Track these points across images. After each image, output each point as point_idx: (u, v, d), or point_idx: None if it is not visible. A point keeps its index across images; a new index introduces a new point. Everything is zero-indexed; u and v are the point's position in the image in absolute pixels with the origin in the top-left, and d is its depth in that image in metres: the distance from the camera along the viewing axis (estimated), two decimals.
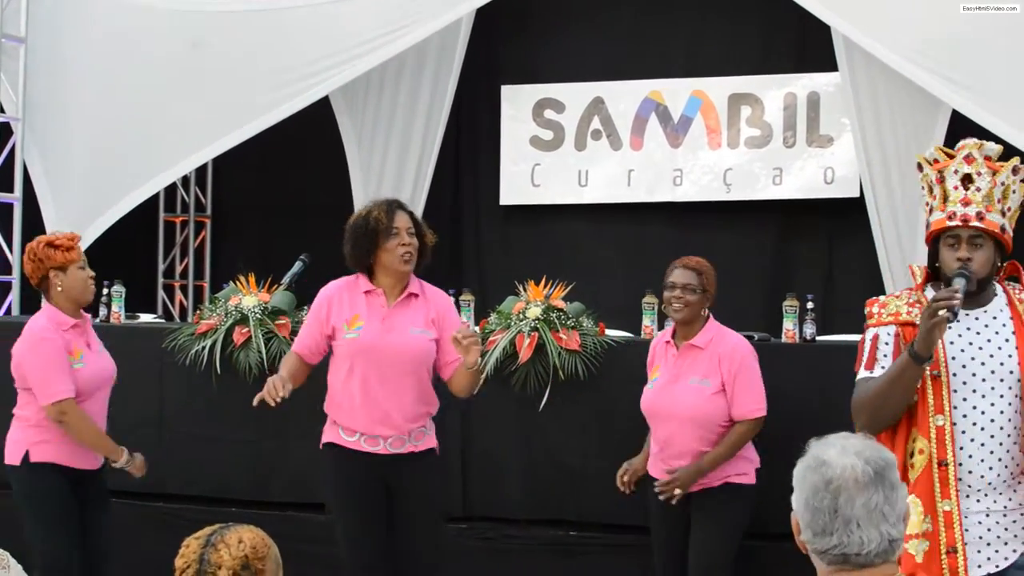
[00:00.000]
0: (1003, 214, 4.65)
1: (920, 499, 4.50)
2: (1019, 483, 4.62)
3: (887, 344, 4.71)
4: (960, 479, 4.55)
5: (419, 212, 9.48)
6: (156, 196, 10.84)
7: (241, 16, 9.31)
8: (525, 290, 7.72)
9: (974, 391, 4.59)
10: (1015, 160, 4.67)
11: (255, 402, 5.93)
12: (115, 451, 6.55)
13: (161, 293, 11.67)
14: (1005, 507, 4.59)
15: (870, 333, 4.76)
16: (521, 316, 7.50)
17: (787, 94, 10.11)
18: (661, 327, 7.60)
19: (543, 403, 7.36)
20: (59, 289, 6.39)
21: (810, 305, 7.51)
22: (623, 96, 10.45)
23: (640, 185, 10.37)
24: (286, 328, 7.76)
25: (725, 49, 10.36)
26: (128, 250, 10.50)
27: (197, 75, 9.24)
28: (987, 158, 4.69)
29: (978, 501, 4.58)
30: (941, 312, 4.35)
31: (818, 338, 7.64)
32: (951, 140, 8.39)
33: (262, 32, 9.25)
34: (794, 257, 10.30)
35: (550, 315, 7.46)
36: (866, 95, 8.93)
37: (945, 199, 4.68)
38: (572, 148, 10.51)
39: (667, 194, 10.28)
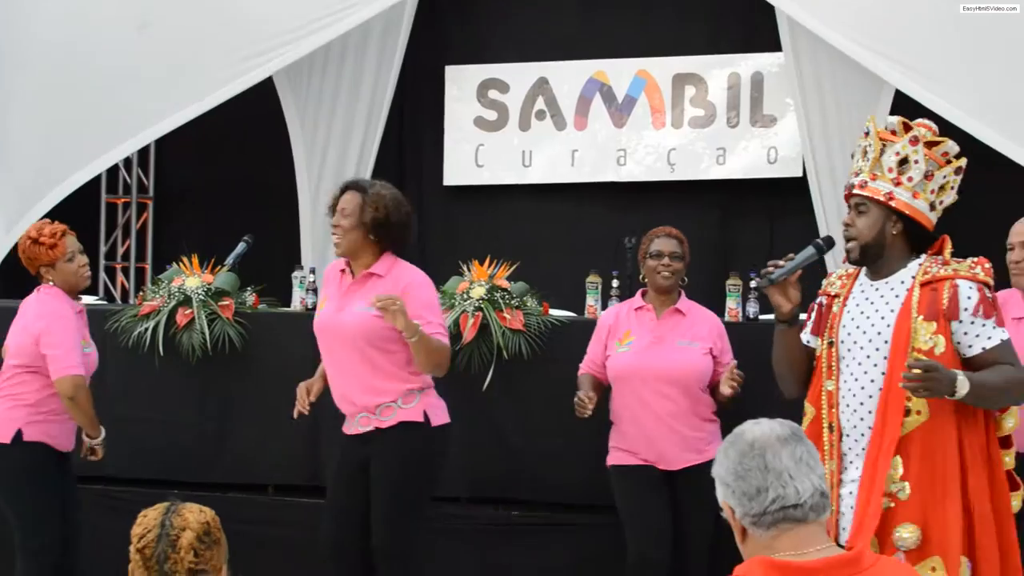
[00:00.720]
0: (897, 183, 4.76)
1: None
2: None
3: (814, 312, 4.98)
4: (849, 441, 4.71)
5: None
6: (98, 177, 10.74)
7: None
8: (469, 270, 7.73)
9: (854, 359, 4.75)
10: (916, 130, 4.76)
11: (295, 415, 6.17)
12: (98, 428, 6.70)
13: (103, 275, 11.58)
14: (855, 479, 4.71)
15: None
16: (465, 296, 7.50)
17: (731, 74, 10.14)
18: (605, 306, 7.63)
19: (487, 383, 7.37)
20: (52, 283, 6.56)
21: (753, 284, 7.55)
22: (567, 76, 10.45)
23: (584, 165, 10.38)
24: (229, 309, 7.72)
25: (669, 29, 10.37)
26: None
27: (140, 56, 9.15)
28: (882, 131, 4.84)
29: (844, 470, 4.72)
30: (759, 281, 4.77)
31: (761, 316, 7.68)
32: None
33: (206, 13, 9.17)
34: (737, 236, 10.33)
35: (494, 295, 7.46)
36: (809, 75, 8.97)
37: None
38: (516, 128, 10.50)
39: (611, 174, 10.29)
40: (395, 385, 6.06)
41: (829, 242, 5.06)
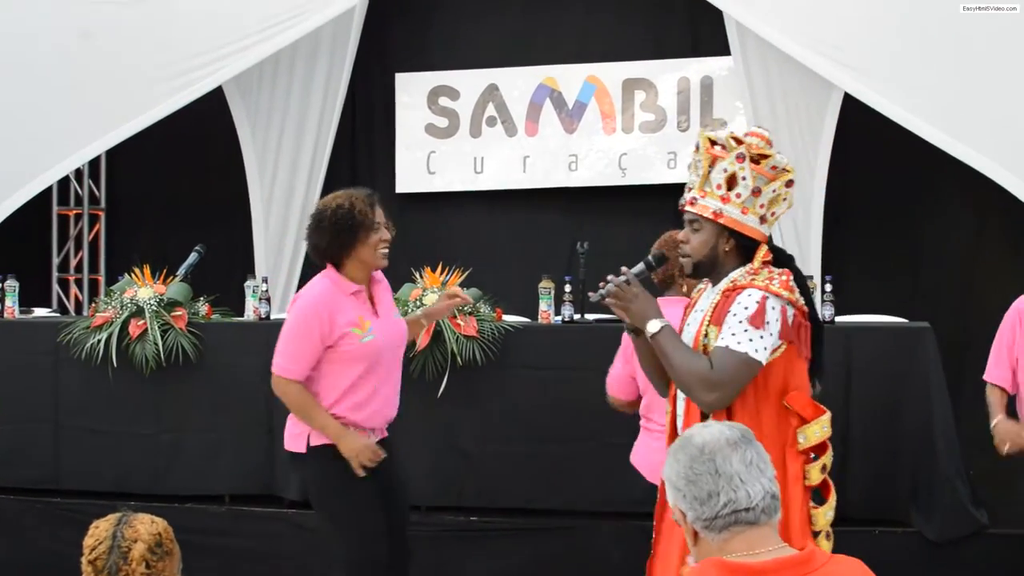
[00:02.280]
0: (725, 200, 4.73)
1: None
2: None
3: None
4: None
5: (315, 201, 9.45)
6: (49, 189, 10.70)
7: (132, 5, 9.20)
8: (422, 277, 7.74)
9: None
10: (741, 147, 4.72)
11: (362, 473, 5.76)
12: None
13: (56, 287, 11.53)
14: None
15: None
16: (418, 303, 7.51)
17: (681, 79, 10.16)
18: (558, 311, 7.65)
19: (441, 390, 7.39)
20: None
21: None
22: (517, 82, 10.45)
23: (536, 171, 10.38)
24: (182, 320, 7.71)
25: (619, 34, 10.38)
26: (22, 244, 10.38)
27: (88, 66, 9.12)
28: (713, 144, 4.79)
29: None
30: (592, 296, 4.85)
31: None
32: (843, 123, 8.54)
33: (153, 22, 9.15)
34: None
35: None
36: (759, 79, 9.01)
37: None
38: (467, 135, 10.49)
39: (563, 179, 10.28)
40: None
41: (660, 259, 5.13)
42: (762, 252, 4.76)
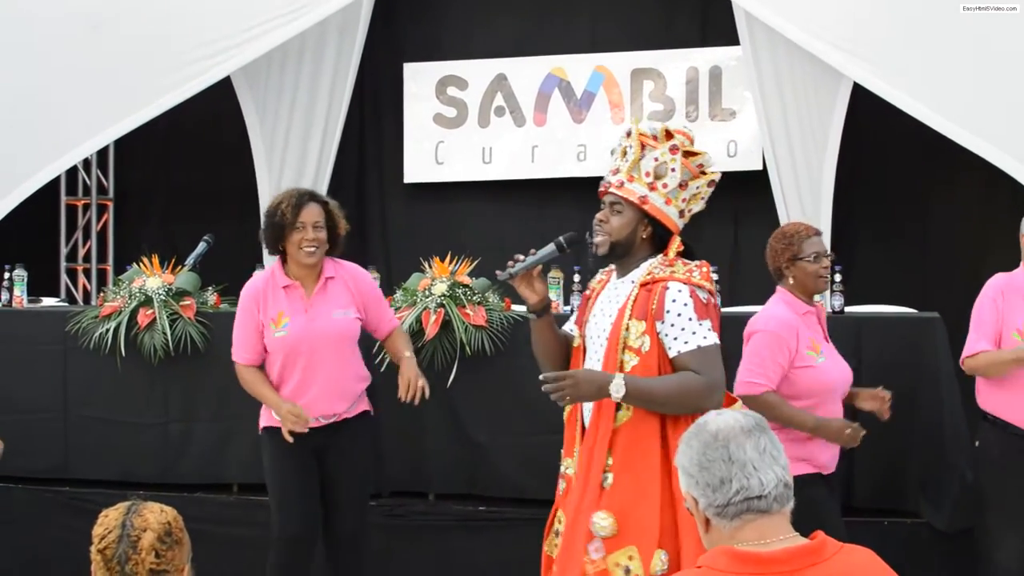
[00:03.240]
0: (652, 188, 4.87)
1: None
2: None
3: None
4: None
5: (323, 191, 9.48)
6: (57, 179, 10.72)
7: None
8: (430, 267, 7.74)
9: (594, 354, 4.87)
10: (674, 140, 4.86)
11: (290, 438, 6.14)
12: None
13: (64, 277, 11.53)
14: None
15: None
16: (427, 293, 7.53)
17: (689, 68, 10.15)
18: (567, 301, 7.65)
19: (451, 379, 7.39)
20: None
21: (715, 277, 7.55)
22: (526, 72, 10.45)
23: (544, 161, 10.38)
24: (191, 309, 7.72)
25: (627, 24, 10.38)
26: (30, 234, 10.39)
27: (97, 56, 9.11)
28: (644, 135, 4.90)
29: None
30: (499, 274, 4.95)
31: (723, 310, 7.69)
32: (852, 112, 8.52)
33: (162, 12, 9.14)
34: (699, 230, 10.31)
35: (456, 291, 7.49)
36: (768, 68, 8.97)
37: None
38: (476, 125, 10.50)
39: (571, 169, 10.27)
40: (361, 384, 6.47)
41: (572, 240, 5.08)
42: (676, 243, 4.94)
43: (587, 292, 5.12)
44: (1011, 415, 6.21)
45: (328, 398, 6.28)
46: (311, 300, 6.29)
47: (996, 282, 6.37)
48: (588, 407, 4.84)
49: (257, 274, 6.55)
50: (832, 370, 6.01)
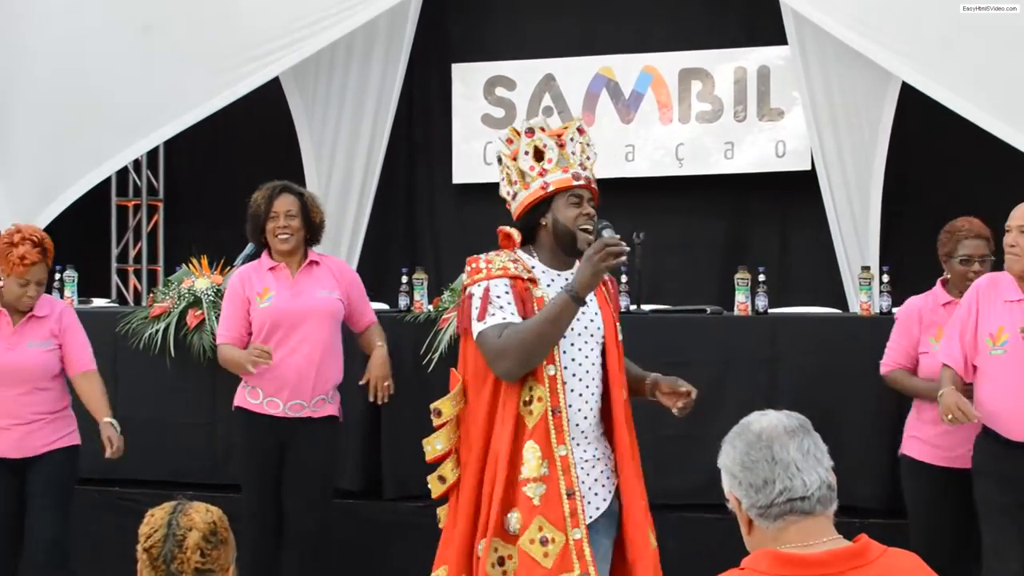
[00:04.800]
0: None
1: (538, 444, 4.69)
2: (602, 433, 4.91)
3: (506, 294, 4.78)
4: (572, 425, 4.78)
5: (371, 193, 9.59)
6: (108, 180, 10.78)
7: None
8: None
9: (572, 344, 4.81)
10: (577, 120, 4.97)
11: (254, 370, 6.36)
12: None
13: (115, 278, 11.60)
14: (594, 455, 4.85)
15: (479, 287, 4.82)
16: None
17: (737, 68, 10.15)
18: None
19: None
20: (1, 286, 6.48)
21: (761, 277, 7.56)
22: (574, 73, 10.47)
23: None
24: None
25: (675, 24, 10.39)
26: (81, 235, 10.44)
27: (148, 58, 9.16)
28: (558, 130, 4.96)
29: (580, 446, 4.80)
30: (620, 259, 4.68)
31: (771, 310, 7.69)
32: (901, 112, 8.47)
33: (211, 14, 9.19)
34: (748, 230, 10.34)
35: None
36: (816, 68, 8.95)
37: (559, 162, 4.89)
38: None
39: (619, 170, 10.24)
40: (333, 377, 6.68)
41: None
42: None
43: (516, 283, 4.85)
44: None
45: (305, 377, 6.52)
46: (296, 278, 6.67)
47: (977, 284, 6.20)
48: (575, 396, 4.80)
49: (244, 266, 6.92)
50: None
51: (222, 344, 6.68)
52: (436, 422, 4.89)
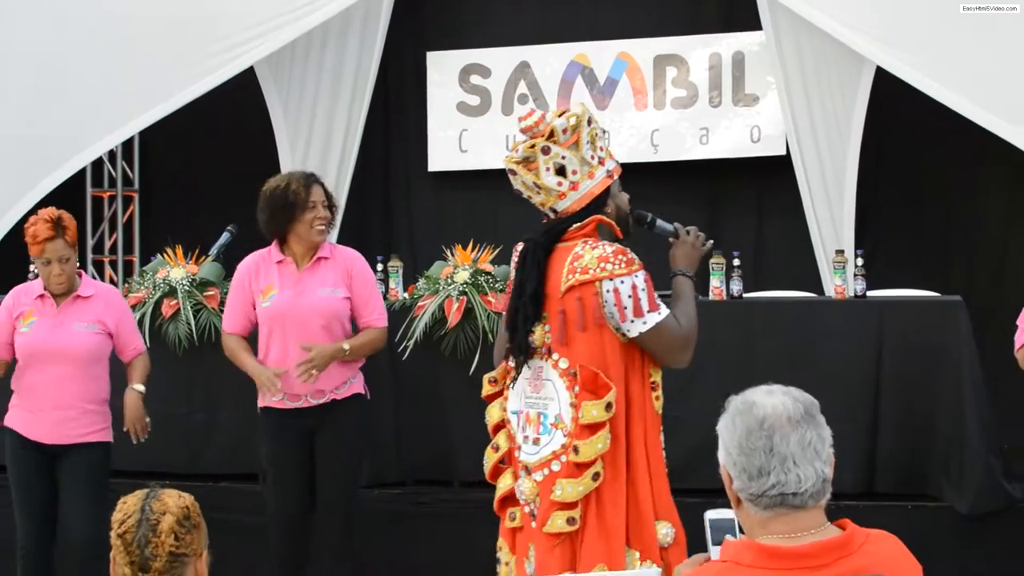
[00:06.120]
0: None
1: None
2: None
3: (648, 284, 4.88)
4: None
5: (347, 181, 9.58)
6: (83, 171, 10.76)
7: None
8: (453, 255, 7.75)
9: None
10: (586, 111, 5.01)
11: (265, 403, 6.49)
12: None
13: (91, 268, 11.56)
14: None
15: (639, 278, 4.85)
16: (449, 280, 7.54)
17: (712, 54, 10.15)
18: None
19: (473, 367, 7.40)
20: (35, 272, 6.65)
21: (736, 262, 7.58)
22: (549, 59, 10.46)
23: None
24: (215, 299, 7.77)
25: (650, 10, 10.39)
26: None
27: (122, 48, 9.14)
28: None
29: None
30: (709, 243, 5.14)
31: (746, 295, 7.71)
32: (875, 97, 8.50)
33: (187, 3, 9.17)
34: (723, 216, 10.34)
35: (478, 279, 7.51)
36: (791, 53, 8.96)
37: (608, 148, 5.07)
38: (499, 113, 10.51)
39: None
40: (348, 365, 6.54)
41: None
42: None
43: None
44: None
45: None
46: (301, 275, 6.46)
47: None
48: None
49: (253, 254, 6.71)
50: None
51: (228, 335, 6.64)
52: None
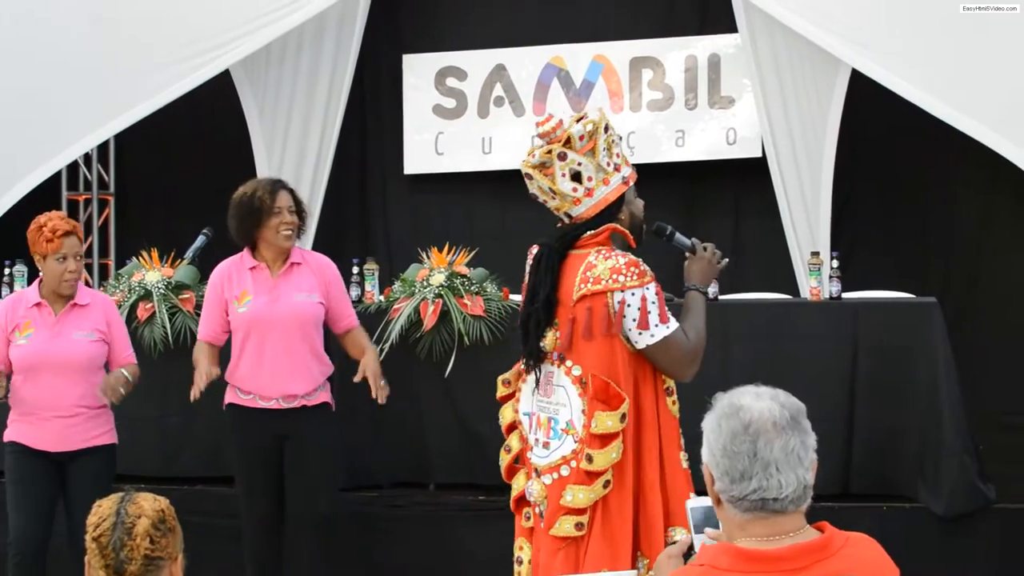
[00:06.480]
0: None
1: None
2: None
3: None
4: None
5: (323, 184, 9.56)
6: (58, 174, 10.74)
7: None
8: (428, 257, 7.75)
9: None
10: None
11: (193, 398, 6.43)
12: None
13: None
14: None
15: (650, 290, 4.86)
16: (425, 283, 7.54)
17: (688, 56, 10.15)
18: None
19: (449, 369, 7.41)
20: (42, 274, 6.60)
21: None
22: (525, 62, 10.45)
23: None
24: (190, 303, 7.76)
25: (625, 13, 10.39)
26: None
27: (97, 51, 9.12)
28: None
29: None
30: (725, 260, 5.28)
31: (722, 297, 7.73)
32: (851, 99, 8.52)
33: (161, 5, 9.15)
34: (700, 218, 10.35)
35: (454, 281, 7.52)
36: (766, 56, 8.97)
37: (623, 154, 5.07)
38: (475, 116, 10.50)
39: None
40: (321, 370, 6.66)
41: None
42: None
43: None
44: None
45: (287, 377, 6.52)
46: (276, 281, 6.57)
47: None
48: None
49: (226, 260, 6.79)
50: None
51: (199, 341, 6.73)
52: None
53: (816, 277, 7.78)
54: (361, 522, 7.44)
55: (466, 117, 10.53)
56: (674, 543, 4.07)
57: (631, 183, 5.03)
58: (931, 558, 6.87)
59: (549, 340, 4.94)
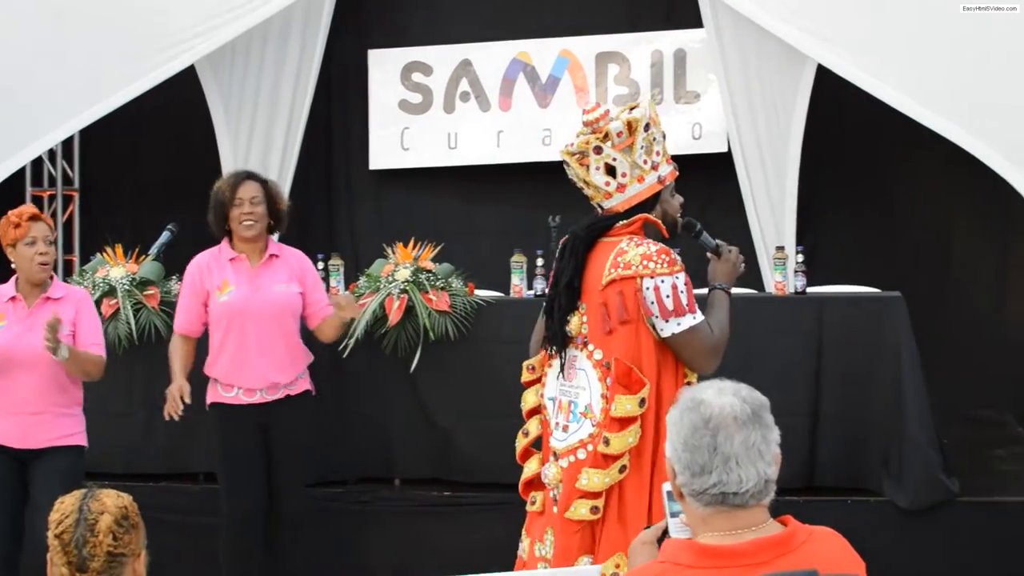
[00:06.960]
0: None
1: None
2: None
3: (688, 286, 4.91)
4: None
5: (289, 178, 9.52)
6: (23, 170, 10.66)
7: None
8: (394, 252, 7.74)
9: None
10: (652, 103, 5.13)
11: (167, 417, 6.51)
12: None
13: None
14: None
15: (679, 279, 4.88)
16: (390, 279, 7.52)
17: (654, 51, 10.18)
18: (530, 285, 7.68)
19: (414, 365, 7.40)
20: (14, 266, 6.44)
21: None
22: (491, 57, 10.46)
23: (510, 146, 10.39)
24: (155, 299, 7.71)
25: (591, 8, 10.40)
26: None
27: (61, 46, 9.08)
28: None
29: None
30: (743, 265, 5.35)
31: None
32: (817, 94, 8.54)
33: (126, 1, 9.12)
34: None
35: (419, 277, 7.49)
36: (731, 50, 8.99)
37: (664, 153, 5.07)
38: (441, 111, 10.51)
39: (537, 154, 10.24)
40: (301, 360, 6.78)
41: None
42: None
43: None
44: None
45: (270, 365, 6.61)
46: (256, 271, 6.68)
47: None
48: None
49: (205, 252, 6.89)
50: None
51: (176, 334, 6.84)
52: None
53: (781, 271, 7.78)
54: (327, 517, 7.41)
55: (432, 112, 10.53)
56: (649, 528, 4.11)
57: (668, 182, 5.04)
58: (896, 551, 6.88)
59: (574, 324, 4.93)
